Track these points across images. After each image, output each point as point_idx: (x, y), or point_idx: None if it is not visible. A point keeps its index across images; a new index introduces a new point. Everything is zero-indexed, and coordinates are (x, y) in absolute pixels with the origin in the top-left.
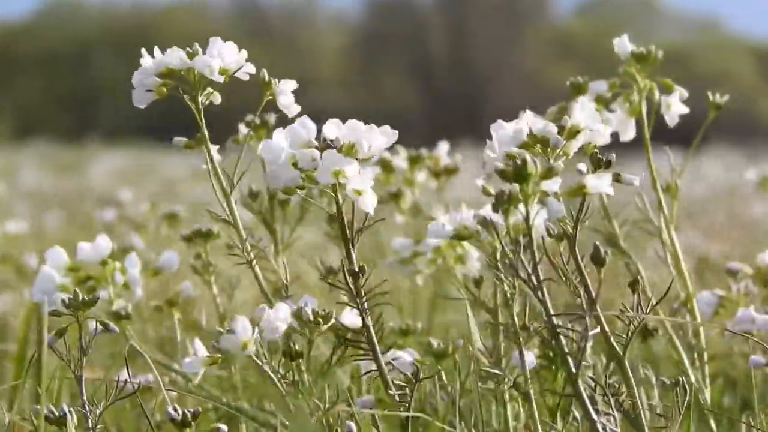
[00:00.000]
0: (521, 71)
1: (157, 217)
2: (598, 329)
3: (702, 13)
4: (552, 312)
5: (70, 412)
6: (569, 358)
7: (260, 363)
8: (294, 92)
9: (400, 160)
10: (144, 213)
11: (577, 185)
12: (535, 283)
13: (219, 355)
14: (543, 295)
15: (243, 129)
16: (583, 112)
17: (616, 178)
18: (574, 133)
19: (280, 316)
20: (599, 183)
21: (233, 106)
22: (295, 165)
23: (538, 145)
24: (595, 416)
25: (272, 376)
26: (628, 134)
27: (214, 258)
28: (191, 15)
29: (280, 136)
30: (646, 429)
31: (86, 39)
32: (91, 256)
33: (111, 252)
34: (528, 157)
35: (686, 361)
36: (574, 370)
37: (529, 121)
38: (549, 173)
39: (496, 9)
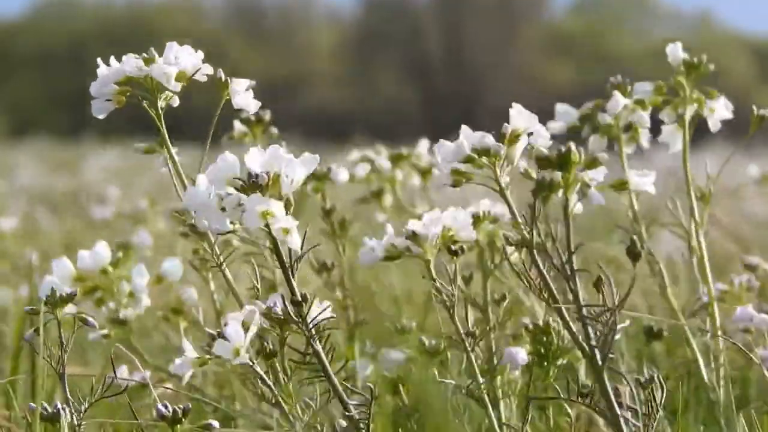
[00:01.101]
0: (517, 69)
1: (158, 213)
2: (627, 323)
3: (696, 9)
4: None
5: (64, 409)
6: (596, 351)
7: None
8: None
9: (383, 159)
10: (143, 210)
11: (620, 180)
12: (569, 272)
13: (208, 357)
14: (576, 284)
15: (238, 126)
16: (520, 114)
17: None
18: (515, 137)
19: (240, 330)
20: (643, 181)
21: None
22: (223, 210)
23: (482, 157)
24: (618, 410)
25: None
26: (677, 146)
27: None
28: (186, 13)
29: (203, 179)
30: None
31: (81, 37)
32: (90, 264)
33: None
34: (572, 145)
35: (701, 361)
36: (600, 363)
37: (465, 135)
38: (593, 163)
39: (492, 7)
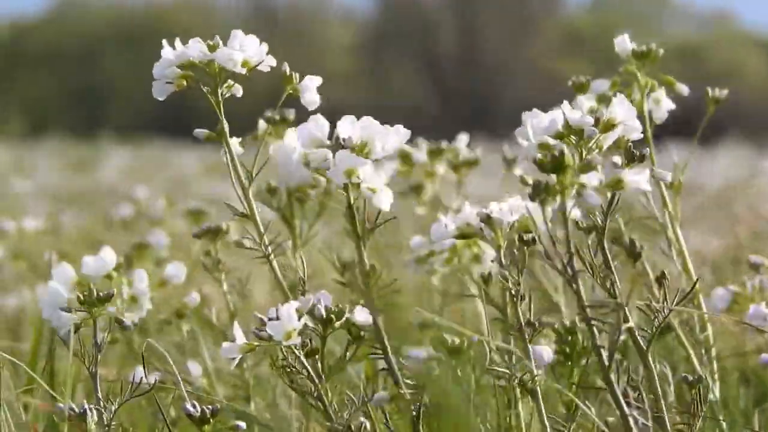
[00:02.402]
0: (532, 67)
1: (174, 212)
2: (631, 323)
3: (714, 7)
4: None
5: (90, 409)
6: (602, 351)
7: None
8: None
9: (421, 153)
10: (160, 209)
11: (614, 179)
12: (571, 274)
13: (256, 343)
14: (578, 286)
15: (262, 124)
16: (621, 105)
17: (650, 174)
18: (610, 126)
19: (293, 312)
20: (638, 178)
21: (247, 100)
22: (307, 165)
23: (573, 136)
24: (627, 410)
25: (293, 371)
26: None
27: (226, 255)
28: (200, 11)
29: (292, 136)
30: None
31: (97, 36)
32: (94, 270)
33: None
34: (566, 149)
35: (694, 357)
36: (606, 363)
37: (565, 111)
38: (588, 166)
39: (507, 5)
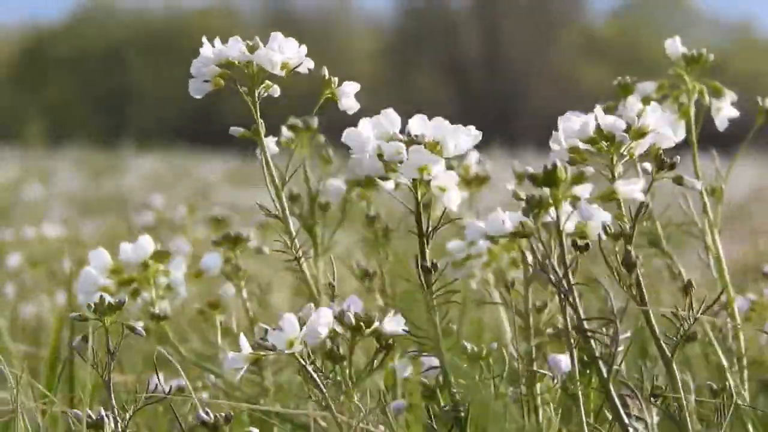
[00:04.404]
0: (554, 73)
1: (197, 220)
2: (628, 333)
3: (736, 15)
4: (583, 316)
5: (107, 416)
6: (600, 363)
7: (304, 363)
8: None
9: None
10: (182, 216)
11: (608, 190)
12: (566, 287)
13: (263, 353)
14: (574, 299)
15: (285, 132)
16: (654, 114)
17: (679, 181)
18: (642, 134)
19: (323, 319)
20: (630, 189)
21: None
22: (380, 156)
23: (604, 141)
24: (627, 420)
25: (314, 377)
26: (678, 135)
27: (244, 262)
28: (223, 18)
29: (366, 125)
30: None
31: (119, 42)
32: (132, 257)
33: (154, 253)
34: (558, 162)
35: (726, 365)
36: (605, 375)
37: (597, 115)
38: (580, 178)
39: (530, 11)
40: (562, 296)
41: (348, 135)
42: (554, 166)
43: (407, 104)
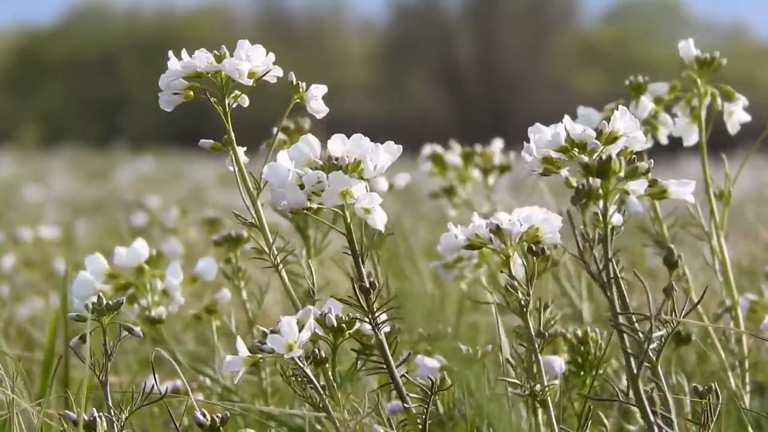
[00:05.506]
0: (548, 78)
1: (189, 222)
2: (663, 331)
3: (728, 20)
4: (619, 311)
5: (100, 417)
6: (632, 359)
7: (301, 366)
8: (321, 98)
9: (455, 156)
10: (175, 218)
11: (659, 189)
12: (605, 279)
13: (260, 356)
14: (612, 292)
15: (277, 134)
16: (623, 118)
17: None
18: (613, 139)
19: (295, 324)
20: (682, 190)
21: (257, 110)
22: (302, 187)
23: (576, 149)
24: (653, 418)
25: (303, 380)
26: (691, 139)
27: (244, 263)
28: (216, 21)
29: (284, 157)
30: None
31: (112, 45)
32: (127, 261)
33: (149, 257)
34: (613, 154)
35: (727, 367)
36: (635, 371)
37: (567, 125)
38: (635, 172)
39: (523, 16)
40: (602, 288)
41: (269, 170)
42: (609, 157)
43: (401, 108)
